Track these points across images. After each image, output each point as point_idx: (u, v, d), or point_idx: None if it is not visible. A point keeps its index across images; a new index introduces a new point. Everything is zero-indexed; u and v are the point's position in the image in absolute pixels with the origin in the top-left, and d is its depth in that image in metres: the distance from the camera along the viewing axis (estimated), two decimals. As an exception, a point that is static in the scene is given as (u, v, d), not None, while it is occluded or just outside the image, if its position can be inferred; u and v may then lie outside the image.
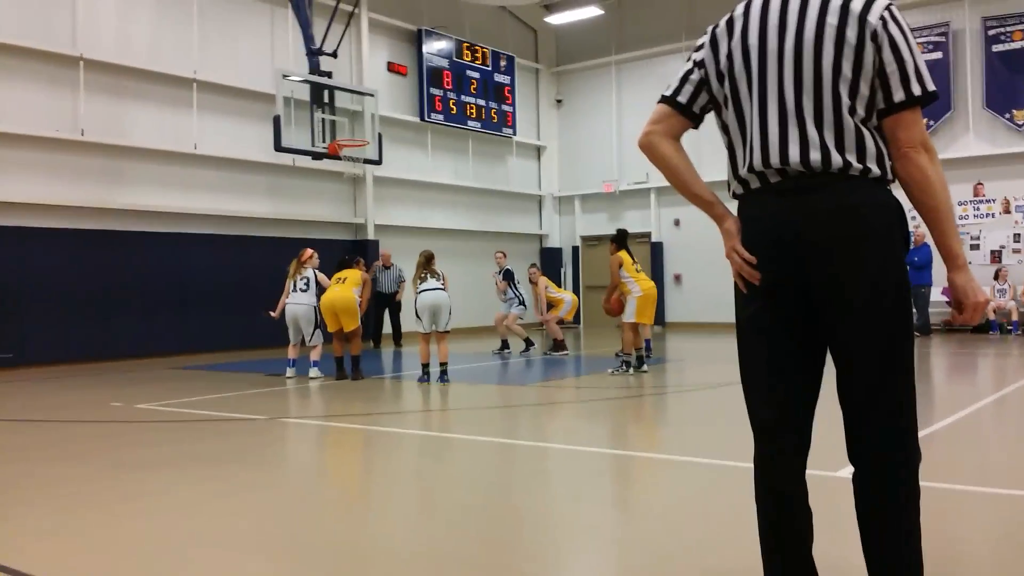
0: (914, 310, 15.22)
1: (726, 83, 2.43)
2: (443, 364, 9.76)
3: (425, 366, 9.92)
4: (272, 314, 10.80)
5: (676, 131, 2.52)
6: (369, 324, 15.23)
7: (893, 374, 2.29)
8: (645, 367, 10.40)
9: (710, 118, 2.57)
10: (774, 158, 2.31)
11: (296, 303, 10.49)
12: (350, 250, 14.70)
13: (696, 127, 2.56)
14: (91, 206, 13.25)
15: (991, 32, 16.28)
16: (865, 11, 2.24)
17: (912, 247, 15.58)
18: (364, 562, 3.61)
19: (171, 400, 8.73)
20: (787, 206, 2.31)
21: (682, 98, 2.50)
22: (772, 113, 2.33)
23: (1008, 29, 16.13)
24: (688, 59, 2.54)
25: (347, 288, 10.43)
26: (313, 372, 10.54)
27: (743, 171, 2.41)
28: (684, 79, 2.51)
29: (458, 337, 18.07)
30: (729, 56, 2.41)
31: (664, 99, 2.53)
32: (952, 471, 5.03)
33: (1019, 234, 16.23)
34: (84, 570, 3.52)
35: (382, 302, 15.84)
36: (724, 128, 2.50)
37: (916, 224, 15.99)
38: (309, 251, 10.84)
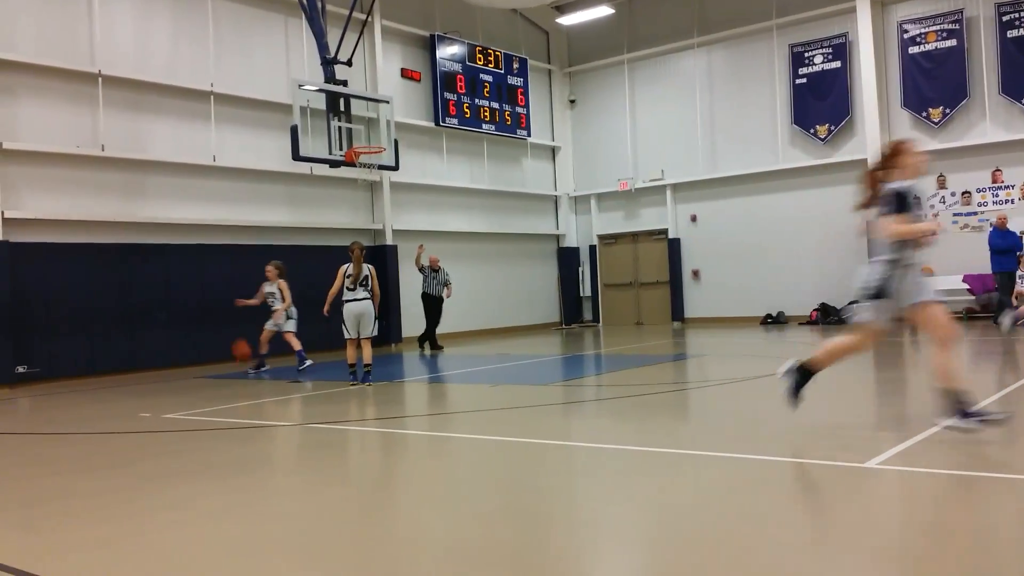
0: (1002, 298, 15.17)
1: None
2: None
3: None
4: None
5: None
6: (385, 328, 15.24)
7: None
8: None
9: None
10: None
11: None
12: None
13: None
14: (113, 220, 13.43)
15: (1005, 18, 16.17)
16: None
17: (992, 228, 15.33)
18: (400, 564, 3.67)
19: (199, 409, 8.84)
20: None
21: None
22: None
23: (1022, 14, 16.02)
24: None
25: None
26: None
27: None
28: None
29: (481, 339, 18.13)
30: None
31: None
32: (978, 459, 5.04)
33: (1040, 219, 16.09)
34: (128, 577, 3.60)
35: (433, 305, 15.94)
36: None
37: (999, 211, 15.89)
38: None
